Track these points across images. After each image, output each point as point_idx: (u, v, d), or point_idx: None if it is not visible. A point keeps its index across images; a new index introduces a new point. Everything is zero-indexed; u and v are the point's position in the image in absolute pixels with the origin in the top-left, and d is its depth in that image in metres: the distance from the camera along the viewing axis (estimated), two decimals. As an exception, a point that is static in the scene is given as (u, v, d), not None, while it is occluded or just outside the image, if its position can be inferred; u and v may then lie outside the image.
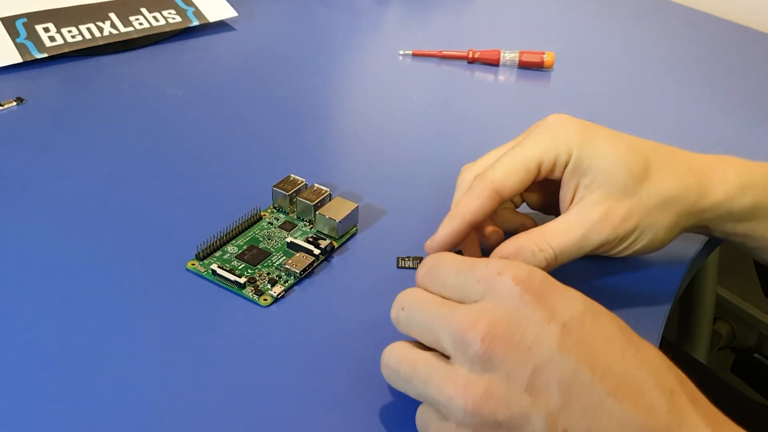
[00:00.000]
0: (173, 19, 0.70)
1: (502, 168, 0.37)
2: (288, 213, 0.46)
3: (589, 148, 0.37)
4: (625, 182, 0.36)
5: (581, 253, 0.37)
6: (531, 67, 0.70)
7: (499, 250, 0.37)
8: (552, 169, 0.37)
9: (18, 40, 0.63)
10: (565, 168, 0.37)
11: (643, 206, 0.37)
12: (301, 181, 0.46)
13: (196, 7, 0.72)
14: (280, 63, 0.68)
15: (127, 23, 0.68)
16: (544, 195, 0.43)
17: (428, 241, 0.38)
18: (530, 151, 0.37)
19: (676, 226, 0.38)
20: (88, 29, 0.66)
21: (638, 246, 0.38)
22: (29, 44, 0.63)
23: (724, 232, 0.41)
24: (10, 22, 0.64)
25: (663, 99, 0.67)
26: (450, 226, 0.37)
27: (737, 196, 0.38)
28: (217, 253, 0.42)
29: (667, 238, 0.39)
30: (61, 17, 0.66)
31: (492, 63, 0.70)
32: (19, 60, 0.61)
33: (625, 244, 0.38)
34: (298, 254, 0.42)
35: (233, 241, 0.43)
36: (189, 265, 0.41)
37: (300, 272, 0.40)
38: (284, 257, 0.42)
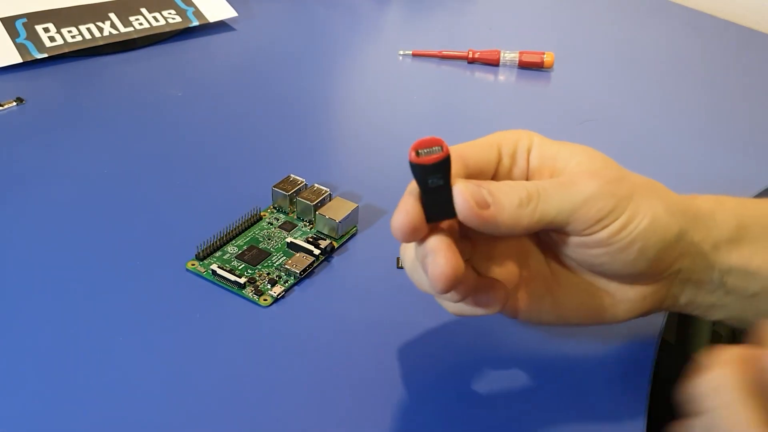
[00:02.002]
0: (173, 19, 0.70)
1: (461, 144, 0.32)
2: (288, 213, 0.46)
3: (549, 140, 0.33)
4: (603, 158, 0.31)
5: (571, 201, 0.29)
6: (531, 67, 0.70)
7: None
8: (514, 153, 0.32)
9: (18, 41, 0.63)
10: (528, 154, 0.32)
11: (632, 182, 0.30)
12: (301, 181, 0.46)
13: (196, 8, 0.72)
14: (280, 63, 0.68)
15: (127, 23, 0.68)
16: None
17: (394, 218, 0.29)
18: (486, 137, 0.33)
19: (672, 214, 0.31)
20: (88, 29, 0.66)
21: (643, 224, 0.29)
22: (29, 44, 0.63)
23: (721, 264, 0.32)
24: (10, 23, 0.64)
25: (663, 99, 0.67)
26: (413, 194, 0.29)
27: (717, 210, 0.33)
28: (217, 254, 0.42)
29: (670, 226, 0.30)
30: (61, 17, 0.66)
31: (492, 63, 0.70)
32: (19, 60, 0.61)
33: (625, 217, 0.29)
34: (298, 254, 0.42)
35: (233, 242, 0.43)
36: (189, 266, 0.41)
37: (300, 272, 0.40)
38: (284, 257, 0.42)
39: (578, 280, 0.33)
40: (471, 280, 0.31)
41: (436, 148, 0.28)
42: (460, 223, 0.30)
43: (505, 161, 0.32)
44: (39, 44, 0.63)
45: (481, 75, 0.69)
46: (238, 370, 0.35)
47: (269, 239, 0.43)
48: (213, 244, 0.42)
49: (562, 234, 0.31)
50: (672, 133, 0.61)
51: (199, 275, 0.40)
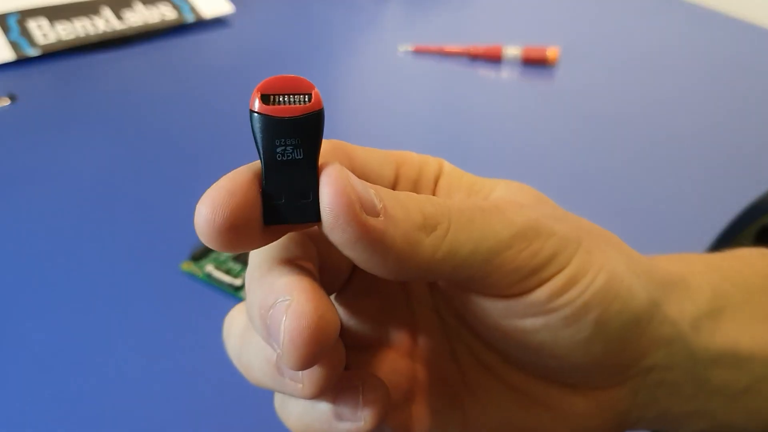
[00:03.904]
0: (168, 14, 0.69)
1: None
2: (286, 212, 0.45)
3: (463, 171, 0.23)
4: (537, 194, 0.22)
5: (494, 236, 0.18)
6: (534, 63, 0.68)
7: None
8: (417, 179, 0.22)
9: (11, 37, 0.62)
10: (436, 184, 0.22)
11: (578, 223, 0.21)
12: (300, 180, 0.45)
13: (191, 3, 0.71)
14: (278, 60, 0.66)
15: (121, 19, 0.67)
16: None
17: (202, 203, 0.17)
18: (384, 150, 0.23)
19: (637, 274, 0.21)
20: (82, 25, 0.65)
21: (599, 281, 0.19)
22: (22, 41, 0.62)
23: (705, 352, 0.22)
24: (2, 19, 0.63)
25: (671, 96, 0.65)
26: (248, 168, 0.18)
27: (687, 273, 0.23)
28: (213, 255, 0.41)
29: (636, 291, 0.20)
30: (54, 13, 0.65)
31: (494, 59, 0.69)
32: (13, 57, 0.60)
33: (573, 268, 0.19)
34: (296, 255, 0.41)
35: (229, 242, 0.42)
36: (184, 267, 0.40)
37: (298, 273, 0.39)
38: (282, 258, 0.41)
39: (501, 386, 0.22)
40: (341, 356, 0.19)
41: (301, 96, 0.17)
42: (321, 272, 0.20)
43: (404, 186, 0.22)
44: (32, 41, 0.62)
45: (484, 71, 0.68)
46: (234, 374, 0.34)
47: (266, 239, 0.42)
48: (208, 244, 0.41)
49: (477, 296, 0.20)
50: (680, 132, 0.60)
51: (194, 277, 0.39)
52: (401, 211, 0.18)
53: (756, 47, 0.78)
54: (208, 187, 0.17)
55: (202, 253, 0.40)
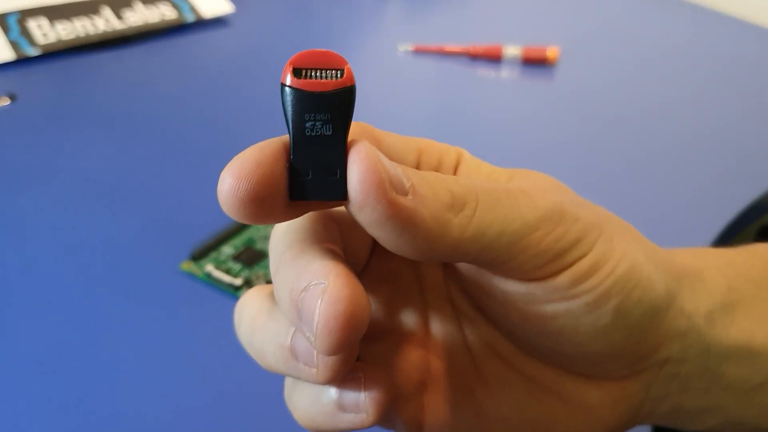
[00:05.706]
0: (168, 14, 0.69)
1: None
2: (286, 212, 0.45)
3: (481, 161, 0.23)
4: (557, 183, 0.23)
5: (521, 218, 0.18)
6: (534, 62, 0.68)
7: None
8: (437, 167, 0.23)
9: (11, 37, 0.62)
10: (455, 171, 0.23)
11: (599, 211, 0.21)
12: (300, 180, 0.45)
13: (191, 3, 0.71)
14: (278, 59, 0.66)
15: (121, 18, 0.67)
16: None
17: (225, 174, 0.17)
18: (406, 137, 0.24)
19: (655, 265, 0.21)
20: (82, 25, 0.65)
21: (621, 268, 0.19)
22: (22, 40, 0.62)
23: (718, 346, 0.22)
24: (2, 19, 0.63)
25: (670, 96, 0.65)
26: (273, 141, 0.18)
27: (703, 267, 0.24)
28: (213, 254, 0.41)
29: (656, 282, 0.20)
30: (54, 13, 0.65)
31: (494, 59, 0.69)
32: (12, 57, 0.60)
33: (596, 253, 0.19)
34: (296, 255, 0.41)
35: (229, 242, 0.42)
36: (184, 266, 0.40)
37: (298, 273, 0.39)
38: (282, 258, 0.41)
39: (515, 376, 0.22)
40: (356, 346, 0.19)
41: (333, 71, 0.17)
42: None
43: (422, 163, 0.23)
44: (32, 40, 0.62)
45: (484, 71, 0.68)
46: (233, 374, 0.34)
47: (266, 240, 0.42)
48: (208, 244, 0.41)
49: (499, 280, 0.20)
50: (681, 132, 0.60)
51: (193, 276, 0.39)
52: (429, 190, 0.17)
53: (756, 47, 0.77)
54: (234, 156, 0.17)
55: (201, 253, 0.40)
